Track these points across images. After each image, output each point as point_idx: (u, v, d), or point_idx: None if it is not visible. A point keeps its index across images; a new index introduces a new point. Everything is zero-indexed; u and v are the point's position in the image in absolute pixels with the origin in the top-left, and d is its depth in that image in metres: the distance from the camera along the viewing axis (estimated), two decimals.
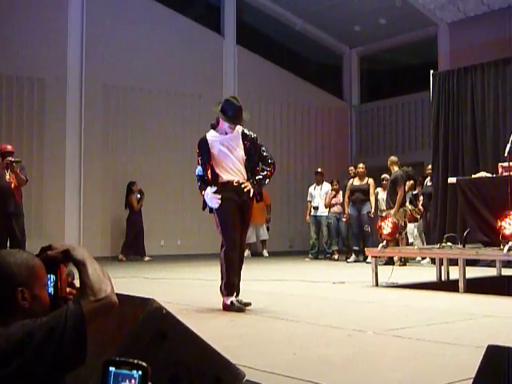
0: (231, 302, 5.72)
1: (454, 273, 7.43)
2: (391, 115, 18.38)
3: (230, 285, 5.76)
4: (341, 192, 13.90)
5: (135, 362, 1.33)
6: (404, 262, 11.64)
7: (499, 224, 6.76)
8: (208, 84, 16.16)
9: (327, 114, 18.44)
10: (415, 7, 16.20)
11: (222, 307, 5.80)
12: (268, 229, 15.67)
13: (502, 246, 6.83)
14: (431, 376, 3.25)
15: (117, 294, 1.81)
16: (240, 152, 6.00)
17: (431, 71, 11.91)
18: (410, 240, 12.36)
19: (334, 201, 13.89)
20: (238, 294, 5.90)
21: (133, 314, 2.31)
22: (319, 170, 14.59)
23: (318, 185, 14.41)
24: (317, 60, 19.15)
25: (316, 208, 14.20)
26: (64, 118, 14.42)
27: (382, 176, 12.91)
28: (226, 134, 6.04)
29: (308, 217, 14.48)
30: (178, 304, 5.76)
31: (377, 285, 7.87)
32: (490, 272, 8.62)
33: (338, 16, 17.20)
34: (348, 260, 13.17)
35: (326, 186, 14.24)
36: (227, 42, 16.94)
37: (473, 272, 8.11)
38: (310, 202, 14.37)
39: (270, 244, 15.64)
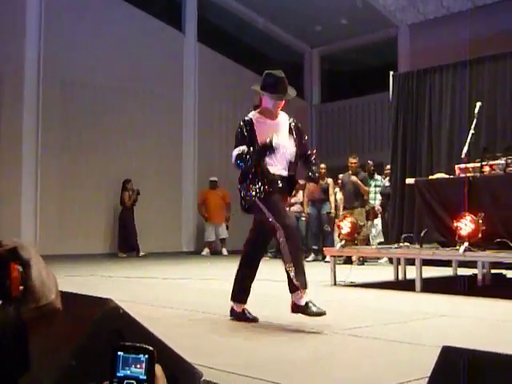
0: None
1: (411, 272, 7.51)
2: (351, 115, 18.53)
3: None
4: (301, 191, 13.95)
5: (142, 346, 1.39)
6: (362, 261, 11.77)
7: (455, 224, 6.85)
8: (167, 81, 16.11)
9: (287, 113, 18.47)
10: (376, 8, 16.37)
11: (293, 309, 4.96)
12: (227, 227, 15.66)
13: (457, 247, 6.92)
14: (387, 375, 3.27)
15: (73, 294, 1.78)
16: (288, 142, 5.12)
17: (391, 72, 12.00)
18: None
19: (293, 200, 13.94)
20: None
21: (89, 313, 2.28)
22: None
23: None
24: (278, 59, 19.20)
25: None
26: (21, 113, 14.22)
27: (340, 176, 13.03)
28: (273, 118, 5.18)
29: None
30: (136, 303, 5.71)
31: (335, 284, 7.93)
32: (447, 272, 8.73)
33: (299, 15, 17.26)
34: (307, 259, 13.21)
35: None
36: (188, 39, 16.89)
37: (430, 271, 8.21)
38: None
39: (229, 242, 15.61)
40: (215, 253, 15.46)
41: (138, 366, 1.37)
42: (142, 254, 14.48)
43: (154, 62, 15.72)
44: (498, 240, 6.78)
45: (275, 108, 5.11)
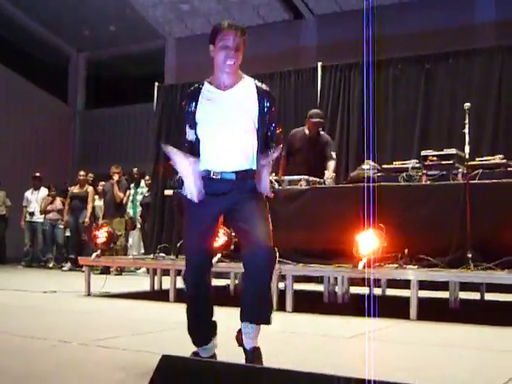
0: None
1: (168, 282, 7.55)
2: (116, 123, 18.37)
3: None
4: (58, 198, 13.57)
5: None
6: (120, 271, 11.67)
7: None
8: None
9: (49, 117, 17.88)
10: (145, 19, 16.42)
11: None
12: None
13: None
14: None
15: None
16: (244, 119, 3.44)
17: (156, 83, 12.09)
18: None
19: (50, 207, 13.50)
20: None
21: None
22: (37, 174, 14.10)
23: (36, 189, 13.93)
24: (42, 60, 18.46)
25: (32, 214, 13.70)
26: None
27: (101, 183, 12.90)
28: (224, 87, 3.49)
29: (23, 222, 13.90)
30: None
31: (89, 294, 7.77)
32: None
33: (66, 17, 16.81)
34: (63, 268, 12.87)
35: (44, 192, 13.81)
36: None
37: None
38: (26, 207, 13.84)
39: None
40: None
41: None
42: None
43: None
44: None
45: (229, 70, 3.43)
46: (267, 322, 3.43)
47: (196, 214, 3.50)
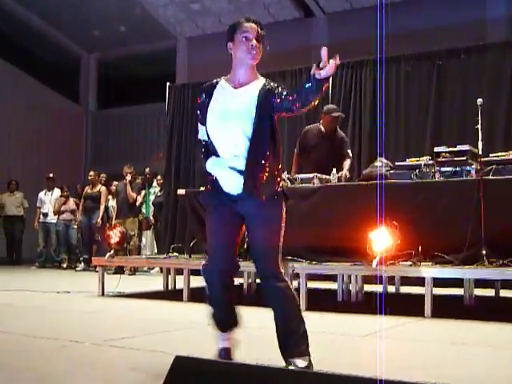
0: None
1: (182, 282, 7.55)
2: (127, 123, 18.39)
3: None
4: (71, 199, 13.61)
5: None
6: (134, 271, 11.69)
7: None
8: None
9: (61, 118, 17.91)
10: (156, 19, 16.42)
11: None
12: None
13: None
14: None
15: None
16: (247, 120, 3.27)
17: (168, 83, 12.10)
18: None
19: (63, 208, 13.53)
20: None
21: None
22: (51, 175, 14.15)
23: (49, 190, 13.98)
24: (53, 61, 18.48)
25: (45, 214, 13.75)
26: None
27: (114, 183, 12.91)
28: (239, 84, 3.39)
29: (37, 223, 13.96)
30: None
31: (103, 294, 7.78)
32: None
33: (76, 18, 16.83)
34: (77, 269, 12.90)
35: (57, 192, 13.86)
36: None
37: (200, 281, 8.30)
38: (40, 207, 13.89)
39: None
40: None
41: None
42: None
43: None
44: None
45: (248, 66, 3.38)
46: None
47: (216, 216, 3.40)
